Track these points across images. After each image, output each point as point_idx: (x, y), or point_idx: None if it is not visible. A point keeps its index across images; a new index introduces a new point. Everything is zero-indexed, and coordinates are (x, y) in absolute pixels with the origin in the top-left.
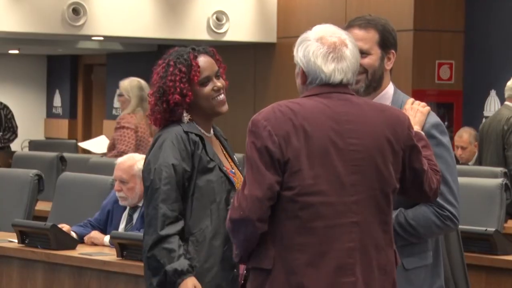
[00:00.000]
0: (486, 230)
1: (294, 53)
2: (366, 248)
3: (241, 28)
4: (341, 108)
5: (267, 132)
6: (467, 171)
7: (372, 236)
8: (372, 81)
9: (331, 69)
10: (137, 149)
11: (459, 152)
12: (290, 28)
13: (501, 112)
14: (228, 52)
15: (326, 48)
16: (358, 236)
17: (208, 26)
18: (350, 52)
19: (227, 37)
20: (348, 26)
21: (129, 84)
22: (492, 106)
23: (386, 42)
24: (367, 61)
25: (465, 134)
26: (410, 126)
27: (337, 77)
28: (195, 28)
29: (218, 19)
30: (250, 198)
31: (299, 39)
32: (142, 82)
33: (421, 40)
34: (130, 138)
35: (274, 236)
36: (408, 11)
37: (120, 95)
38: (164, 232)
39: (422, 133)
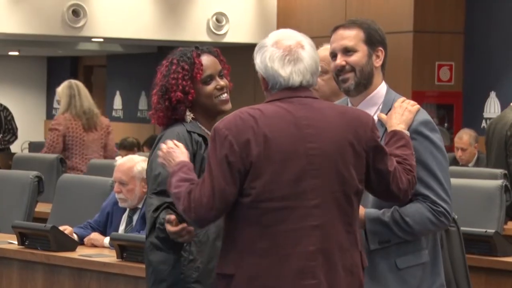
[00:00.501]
0: (486, 231)
1: (254, 60)
2: (329, 250)
3: (241, 30)
4: (302, 113)
5: (228, 142)
6: (467, 172)
7: (336, 239)
8: (361, 79)
9: (288, 72)
10: (68, 149)
11: (459, 153)
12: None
13: (506, 115)
14: (228, 54)
15: (282, 51)
16: (319, 239)
17: (208, 28)
18: (306, 53)
19: (227, 39)
20: (333, 30)
21: (61, 86)
22: (492, 107)
23: (372, 39)
24: (353, 58)
25: (465, 136)
26: (373, 127)
27: (296, 80)
28: (195, 30)
29: (218, 20)
30: (206, 206)
31: (257, 46)
32: (73, 81)
33: (421, 41)
34: (54, 140)
35: (236, 242)
36: (408, 13)
37: (58, 100)
38: (157, 214)
39: (406, 132)
